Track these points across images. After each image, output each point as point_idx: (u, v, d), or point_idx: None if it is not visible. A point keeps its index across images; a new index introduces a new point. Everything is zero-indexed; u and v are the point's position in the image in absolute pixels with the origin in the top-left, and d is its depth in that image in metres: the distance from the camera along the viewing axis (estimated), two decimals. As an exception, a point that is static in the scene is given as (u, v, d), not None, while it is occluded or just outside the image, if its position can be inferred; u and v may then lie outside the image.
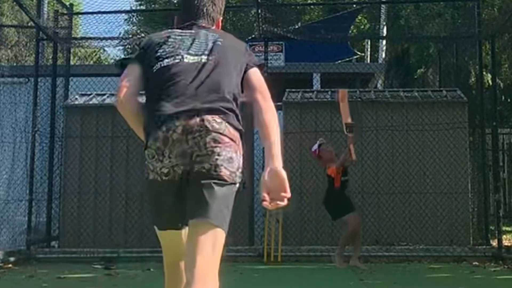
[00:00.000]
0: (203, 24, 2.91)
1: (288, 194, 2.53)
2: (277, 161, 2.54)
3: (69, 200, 9.49)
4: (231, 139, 2.61)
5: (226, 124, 2.61)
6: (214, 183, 2.54)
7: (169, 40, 2.80)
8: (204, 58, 2.71)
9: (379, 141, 9.39)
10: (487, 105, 10.14)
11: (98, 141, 9.57)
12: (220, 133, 2.58)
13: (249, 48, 3.01)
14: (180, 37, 2.82)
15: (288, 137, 9.24)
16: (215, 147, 2.55)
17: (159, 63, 2.72)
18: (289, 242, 8.86)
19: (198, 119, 2.57)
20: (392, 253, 8.76)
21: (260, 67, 2.86)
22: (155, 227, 2.78)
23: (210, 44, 2.77)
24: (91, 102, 9.90)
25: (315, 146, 8.02)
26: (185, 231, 2.68)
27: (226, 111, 2.62)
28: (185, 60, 2.70)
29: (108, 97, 10.07)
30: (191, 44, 2.77)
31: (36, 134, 9.36)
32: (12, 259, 8.37)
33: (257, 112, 2.67)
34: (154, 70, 2.73)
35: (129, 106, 2.90)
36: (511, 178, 13.14)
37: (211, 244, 2.51)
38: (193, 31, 2.87)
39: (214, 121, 2.59)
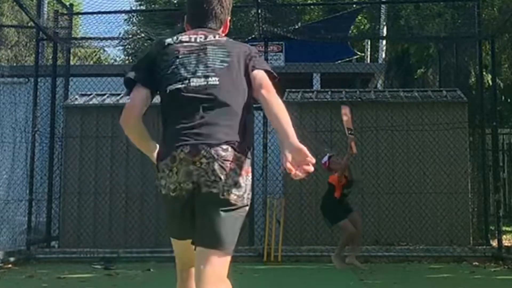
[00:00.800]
0: (212, 27, 2.94)
1: (310, 158, 2.59)
2: (295, 140, 2.63)
3: (69, 200, 9.49)
4: (237, 165, 2.68)
5: (233, 150, 2.68)
6: (222, 210, 2.64)
7: (177, 59, 2.81)
8: (211, 80, 2.75)
9: (379, 141, 9.38)
10: (487, 105, 10.15)
11: (98, 141, 9.57)
12: (227, 160, 2.65)
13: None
14: (187, 55, 2.82)
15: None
16: (222, 174, 2.64)
17: (168, 87, 2.77)
18: (289, 242, 8.86)
19: (205, 146, 2.65)
20: (392, 253, 8.76)
21: (268, 73, 2.84)
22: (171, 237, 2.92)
23: (218, 64, 2.79)
24: (91, 102, 9.90)
25: (325, 158, 7.97)
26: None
27: (233, 137, 2.69)
28: (192, 84, 2.74)
29: (108, 97, 10.07)
30: (197, 63, 2.80)
31: (36, 134, 9.37)
32: (12, 259, 8.38)
33: (266, 108, 2.75)
34: (164, 91, 2.80)
35: (134, 129, 2.87)
36: (511, 178, 13.15)
37: (218, 271, 2.64)
38: (200, 42, 2.86)
39: (221, 149, 2.66)
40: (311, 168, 2.60)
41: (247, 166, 2.74)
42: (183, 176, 2.65)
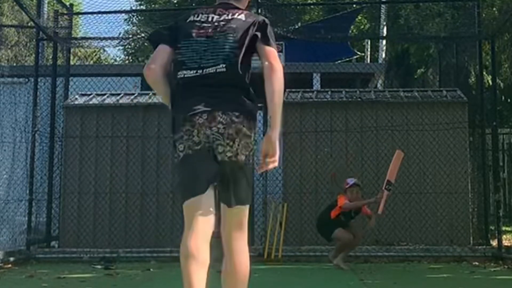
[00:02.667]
0: (232, 2, 3.34)
1: (275, 158, 3.10)
2: (274, 131, 3.09)
3: (69, 200, 9.49)
4: (247, 129, 3.14)
5: (243, 117, 3.13)
6: (237, 170, 3.13)
7: (192, 41, 3.22)
8: (219, 68, 3.15)
9: (379, 141, 9.38)
10: (487, 105, 10.15)
11: (98, 141, 9.57)
12: (239, 124, 3.12)
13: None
14: (200, 40, 3.21)
15: (288, 137, 9.25)
16: (236, 137, 3.10)
17: (181, 71, 3.20)
18: (289, 242, 8.86)
19: (220, 114, 3.11)
20: (392, 253, 8.76)
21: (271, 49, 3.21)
22: (185, 201, 3.17)
23: (226, 50, 3.17)
24: (91, 102, 9.90)
25: (351, 181, 7.84)
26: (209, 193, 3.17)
27: (243, 106, 3.14)
28: (206, 71, 3.16)
29: (108, 97, 10.08)
30: (208, 49, 3.19)
31: (36, 134, 9.36)
32: (12, 259, 8.38)
33: (265, 79, 3.14)
34: (176, 72, 3.23)
35: (156, 76, 3.26)
36: (511, 178, 13.15)
37: (242, 222, 3.21)
38: (214, 23, 3.24)
39: (234, 115, 3.12)
40: (274, 165, 3.11)
41: (253, 126, 3.20)
42: (203, 138, 3.09)
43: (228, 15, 3.25)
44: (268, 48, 3.17)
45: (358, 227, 8.00)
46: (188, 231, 3.10)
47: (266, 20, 3.27)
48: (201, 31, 3.22)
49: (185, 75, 3.17)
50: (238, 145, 3.09)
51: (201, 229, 3.09)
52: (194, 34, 3.21)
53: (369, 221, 7.95)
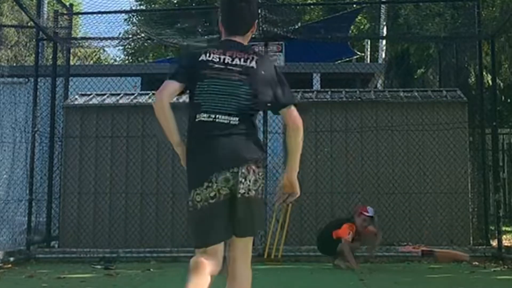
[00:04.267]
0: (239, 40, 3.51)
1: (297, 193, 3.61)
2: (294, 173, 3.54)
3: (69, 200, 9.49)
4: (257, 167, 3.39)
5: (253, 163, 3.38)
6: (248, 204, 3.34)
7: (206, 84, 3.39)
8: (232, 120, 3.36)
9: (379, 141, 9.38)
10: (487, 105, 10.13)
11: (98, 141, 9.57)
12: (253, 170, 3.37)
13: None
14: (215, 82, 3.38)
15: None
16: (247, 175, 3.34)
17: (200, 115, 3.37)
18: (289, 242, 8.86)
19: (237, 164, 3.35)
20: (392, 253, 8.75)
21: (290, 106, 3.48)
22: (198, 248, 3.39)
23: (241, 102, 3.36)
24: (91, 102, 9.90)
25: (371, 212, 7.77)
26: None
27: (254, 153, 3.39)
28: (217, 120, 3.35)
29: (108, 97, 10.08)
30: (223, 95, 3.37)
31: (36, 134, 9.36)
32: (12, 259, 8.38)
33: (290, 135, 3.50)
34: (194, 115, 3.40)
35: (163, 109, 3.40)
36: (511, 178, 13.13)
37: (248, 248, 3.47)
38: (228, 67, 3.40)
39: (249, 164, 3.37)
40: (295, 197, 3.61)
41: (262, 168, 3.45)
42: (221, 183, 3.30)
43: (240, 59, 3.43)
44: (291, 111, 3.45)
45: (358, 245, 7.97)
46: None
47: (275, 64, 3.59)
48: (214, 72, 3.39)
49: (202, 119, 3.37)
50: (250, 181, 3.34)
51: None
52: (209, 76, 3.39)
53: (369, 248, 8.02)
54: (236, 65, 3.41)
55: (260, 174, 3.42)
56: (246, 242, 3.44)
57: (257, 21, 3.65)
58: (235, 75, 3.39)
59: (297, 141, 3.49)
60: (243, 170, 3.32)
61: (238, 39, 3.52)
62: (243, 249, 3.43)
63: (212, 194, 3.30)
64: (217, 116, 3.35)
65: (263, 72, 3.43)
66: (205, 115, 3.36)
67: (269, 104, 3.48)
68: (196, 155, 3.39)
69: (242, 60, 3.42)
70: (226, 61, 3.41)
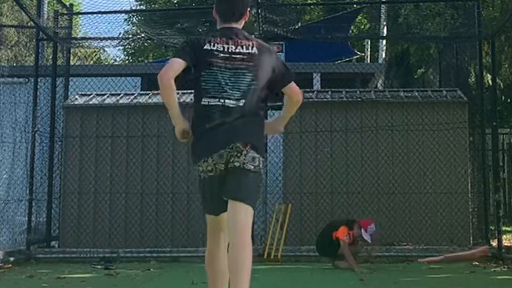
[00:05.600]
0: (234, 25, 3.75)
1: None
2: (283, 123, 4.00)
3: (69, 200, 9.49)
4: (257, 153, 3.60)
5: (253, 146, 3.60)
6: (243, 174, 3.55)
7: (213, 70, 3.61)
8: (240, 102, 3.58)
9: (379, 141, 9.38)
10: (487, 105, 10.13)
11: (98, 141, 9.57)
12: (249, 145, 3.58)
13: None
14: (221, 69, 3.60)
15: (288, 137, 9.25)
16: (243, 150, 3.55)
17: (207, 99, 3.59)
18: (289, 242, 8.86)
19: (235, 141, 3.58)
20: (392, 253, 8.75)
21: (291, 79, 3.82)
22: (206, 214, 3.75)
23: (245, 86, 3.60)
24: (91, 102, 9.90)
25: (374, 228, 7.69)
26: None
27: (254, 136, 3.63)
28: (226, 104, 3.57)
29: (108, 97, 10.08)
30: (229, 82, 3.59)
31: (36, 134, 9.36)
32: (12, 259, 8.38)
33: (290, 104, 3.90)
34: (199, 99, 3.64)
35: (168, 85, 3.56)
36: (511, 178, 13.13)
37: (246, 215, 3.54)
38: (232, 56, 3.62)
39: (247, 144, 3.59)
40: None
41: (263, 153, 3.67)
42: (216, 159, 3.54)
43: (242, 47, 3.65)
44: (293, 86, 3.78)
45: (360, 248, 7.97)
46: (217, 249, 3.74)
47: (274, 48, 3.86)
48: (220, 61, 3.60)
49: (209, 103, 3.58)
50: (245, 156, 3.55)
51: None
52: (215, 65, 3.60)
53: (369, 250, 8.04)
54: (239, 52, 3.63)
55: (260, 157, 3.61)
56: (237, 209, 3.52)
57: (249, 9, 3.88)
58: (240, 62, 3.62)
59: (294, 109, 3.92)
60: (240, 147, 3.52)
61: (234, 25, 3.75)
62: (234, 216, 3.50)
63: (209, 168, 3.57)
64: (225, 101, 3.57)
65: (264, 57, 3.67)
66: (213, 99, 3.58)
67: (273, 86, 3.72)
68: (202, 136, 3.59)
69: (244, 47, 3.65)
70: (230, 50, 3.63)
